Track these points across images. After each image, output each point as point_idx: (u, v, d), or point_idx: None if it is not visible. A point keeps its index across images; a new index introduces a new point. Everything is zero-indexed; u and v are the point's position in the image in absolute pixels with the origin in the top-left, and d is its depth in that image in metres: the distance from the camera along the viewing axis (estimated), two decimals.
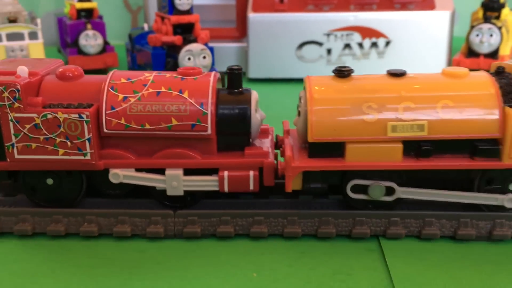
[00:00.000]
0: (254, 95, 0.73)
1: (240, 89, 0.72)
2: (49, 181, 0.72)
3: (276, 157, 0.73)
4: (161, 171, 0.71)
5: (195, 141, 0.70)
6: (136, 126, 0.69)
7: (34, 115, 0.67)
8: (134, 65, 1.53)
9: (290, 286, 0.60)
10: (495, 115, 0.65)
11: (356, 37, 1.53)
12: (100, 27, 1.63)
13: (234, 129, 0.71)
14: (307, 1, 1.56)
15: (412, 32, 1.50)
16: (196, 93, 0.69)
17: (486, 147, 0.66)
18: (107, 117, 0.68)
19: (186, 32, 1.24)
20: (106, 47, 1.64)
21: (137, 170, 0.71)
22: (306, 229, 0.70)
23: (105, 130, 0.69)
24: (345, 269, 0.63)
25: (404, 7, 1.54)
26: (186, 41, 1.20)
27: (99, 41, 1.61)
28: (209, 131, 0.69)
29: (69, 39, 1.65)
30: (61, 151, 0.68)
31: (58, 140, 0.68)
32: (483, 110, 0.65)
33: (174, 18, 1.22)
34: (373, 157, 0.67)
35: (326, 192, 0.71)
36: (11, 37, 1.50)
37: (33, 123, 0.67)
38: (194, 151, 0.71)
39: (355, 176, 0.68)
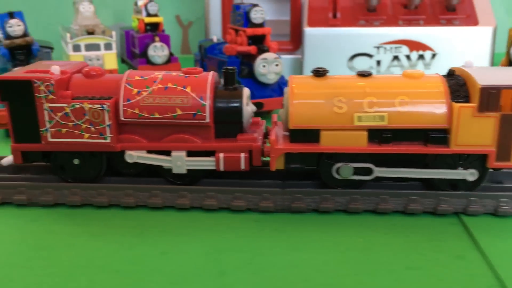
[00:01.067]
0: (246, 91, 0.87)
1: (234, 86, 0.87)
2: (76, 161, 0.87)
3: (263, 143, 0.87)
4: (168, 153, 0.85)
5: (196, 128, 0.85)
6: (147, 115, 0.83)
7: (65, 105, 0.82)
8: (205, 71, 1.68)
9: (393, 246, 0.72)
10: (444, 109, 0.78)
11: (404, 50, 1.63)
12: (165, 40, 1.79)
13: (228, 119, 0.85)
14: (359, 17, 1.69)
15: (456, 46, 1.60)
16: (197, 88, 0.83)
17: (437, 135, 0.79)
18: (124, 108, 0.83)
19: (258, 43, 1.37)
20: (171, 58, 1.79)
21: (148, 152, 0.86)
22: (397, 207, 0.81)
23: (122, 118, 0.83)
24: (437, 236, 0.74)
25: (449, 22, 1.64)
26: (260, 51, 1.33)
27: (166, 52, 1.76)
28: (207, 120, 0.83)
29: (137, 50, 1.80)
30: (86, 135, 0.83)
31: (83, 126, 0.83)
32: (434, 105, 0.78)
33: (250, 30, 1.35)
34: (343, 142, 0.80)
35: (303, 172, 0.84)
36: (89, 47, 1.65)
37: (64, 111, 0.82)
38: (195, 136, 0.85)
39: (332, 159, 0.82)
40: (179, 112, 0.83)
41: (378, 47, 1.65)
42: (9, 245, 0.74)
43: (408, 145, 0.80)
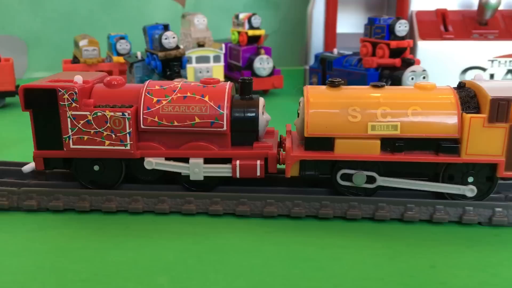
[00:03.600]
0: (262, 100, 0.90)
1: (250, 95, 0.89)
2: (96, 168, 0.89)
3: (278, 151, 0.90)
4: (186, 160, 0.87)
5: (213, 136, 0.87)
6: (166, 123, 0.86)
7: (87, 113, 0.85)
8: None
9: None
10: (455, 119, 0.81)
11: None
12: (269, 52, 1.83)
13: (244, 127, 0.87)
14: (471, 30, 1.72)
15: None
16: (215, 97, 0.86)
17: (448, 145, 0.81)
18: (144, 116, 0.86)
19: (396, 55, 1.39)
20: (274, 70, 1.83)
21: (167, 159, 0.88)
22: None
23: (142, 126, 0.86)
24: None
25: None
26: (406, 63, 1.36)
27: (270, 64, 1.80)
28: (225, 128, 0.86)
29: (240, 63, 1.84)
30: (107, 142, 0.86)
31: (105, 133, 0.85)
32: (445, 115, 0.81)
33: (394, 43, 1.38)
34: (356, 150, 0.83)
35: (319, 180, 0.87)
36: (199, 59, 1.69)
37: (86, 119, 0.85)
38: (213, 144, 0.87)
39: (343, 166, 0.84)
40: (197, 120, 0.85)
41: (492, 61, 1.65)
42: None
43: (420, 154, 0.83)
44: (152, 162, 0.88)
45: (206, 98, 0.86)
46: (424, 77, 1.34)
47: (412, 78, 1.33)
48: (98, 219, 0.85)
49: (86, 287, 0.65)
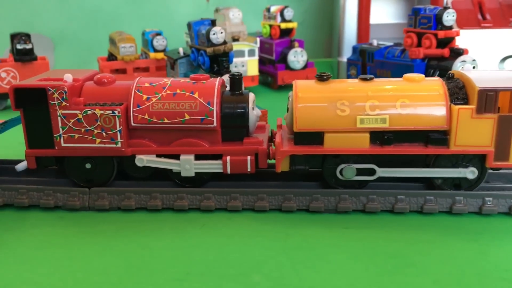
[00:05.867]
0: (252, 96, 0.90)
1: (240, 91, 0.90)
2: (88, 165, 0.90)
3: (269, 146, 0.90)
4: (177, 157, 0.88)
5: (203, 133, 0.88)
6: (157, 120, 0.86)
7: (77, 111, 0.85)
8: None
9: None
10: (443, 111, 0.81)
11: None
12: (302, 45, 1.82)
13: (234, 123, 0.87)
14: (510, 19, 1.70)
15: None
16: (204, 94, 0.86)
17: (437, 136, 0.82)
18: (134, 113, 0.86)
19: (443, 45, 1.38)
20: (307, 63, 1.83)
21: (158, 156, 0.89)
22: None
23: (132, 124, 0.86)
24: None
25: None
26: (455, 53, 1.35)
27: (305, 57, 1.80)
28: (215, 124, 0.86)
29: (273, 56, 1.83)
30: (98, 140, 0.86)
31: (95, 131, 0.86)
32: (433, 107, 0.81)
33: (442, 33, 1.36)
34: (346, 144, 0.83)
35: (309, 174, 0.87)
36: (234, 54, 1.66)
37: (76, 118, 0.85)
38: (203, 140, 0.88)
39: (336, 161, 0.84)
40: (187, 117, 0.86)
41: None
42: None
43: (409, 146, 0.83)
44: (143, 159, 0.88)
45: (196, 95, 0.86)
46: (474, 67, 1.31)
47: (462, 68, 1.30)
48: (170, 217, 0.85)
49: (182, 286, 0.65)
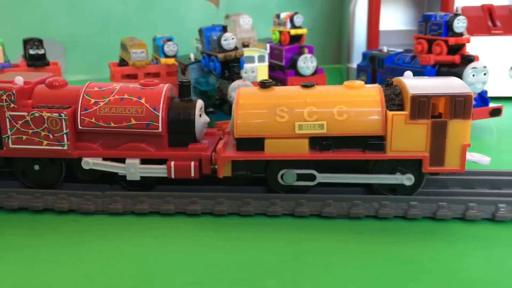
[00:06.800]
0: (199, 103, 0.92)
1: (189, 97, 0.92)
2: (36, 167, 0.91)
3: (212, 152, 0.91)
4: (123, 161, 0.89)
5: (150, 137, 0.89)
6: (103, 124, 0.88)
7: (25, 113, 0.87)
8: (377, 82, 1.63)
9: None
10: (379, 116, 0.82)
11: None
12: (312, 51, 1.85)
13: (181, 129, 0.89)
14: None
15: None
16: (151, 99, 0.88)
17: (373, 142, 0.83)
18: (81, 117, 0.88)
19: (453, 52, 1.38)
20: (317, 69, 1.85)
21: (104, 159, 0.90)
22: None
23: (79, 127, 0.88)
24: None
25: None
26: (466, 60, 1.35)
27: (314, 63, 1.81)
28: (160, 129, 0.88)
29: (282, 62, 1.85)
30: (45, 142, 0.88)
31: (42, 133, 0.88)
32: (369, 113, 0.83)
33: (453, 40, 1.36)
34: (286, 149, 0.84)
35: (250, 179, 0.88)
36: (245, 59, 1.64)
37: (24, 119, 0.88)
38: (149, 145, 0.89)
39: (278, 166, 0.85)
40: (133, 121, 0.88)
41: None
42: None
43: (347, 151, 0.84)
44: (90, 162, 0.90)
45: (143, 100, 0.88)
46: (485, 74, 1.32)
47: (473, 75, 1.30)
48: (181, 221, 0.85)
49: None
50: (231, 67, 1.35)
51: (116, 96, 0.89)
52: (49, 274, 0.69)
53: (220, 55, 1.35)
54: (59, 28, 2.42)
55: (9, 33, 2.13)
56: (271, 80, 0.89)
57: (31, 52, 1.67)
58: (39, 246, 0.77)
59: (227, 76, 1.36)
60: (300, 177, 0.86)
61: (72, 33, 2.43)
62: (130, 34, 2.19)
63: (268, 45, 1.79)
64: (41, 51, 1.68)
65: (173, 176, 0.89)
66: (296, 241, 0.77)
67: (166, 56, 1.79)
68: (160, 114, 0.88)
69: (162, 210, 0.87)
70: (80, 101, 0.89)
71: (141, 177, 0.90)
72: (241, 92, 0.88)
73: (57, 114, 0.87)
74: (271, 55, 1.94)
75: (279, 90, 0.88)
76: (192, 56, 1.61)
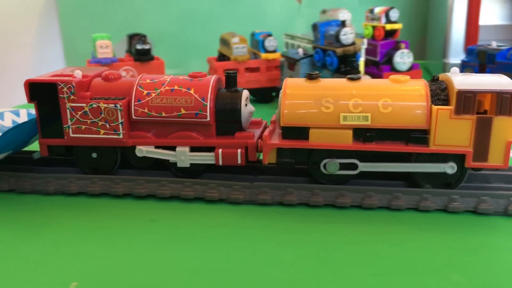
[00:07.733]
0: (245, 93, 0.95)
1: (235, 88, 0.95)
2: (94, 155, 0.98)
3: (258, 140, 0.95)
4: (173, 148, 0.94)
5: (199, 126, 0.94)
6: (155, 114, 0.93)
7: (84, 104, 0.93)
8: None
9: None
10: (423, 111, 0.83)
11: None
12: (408, 46, 1.84)
13: (227, 118, 0.93)
14: None
15: None
16: (200, 90, 0.92)
17: (417, 135, 0.84)
18: (135, 107, 0.93)
19: None
20: (413, 65, 1.84)
21: (156, 147, 0.95)
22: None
23: (133, 117, 0.93)
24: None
25: None
26: None
27: (411, 58, 1.81)
28: (208, 118, 0.92)
29: (378, 57, 1.86)
30: (102, 131, 0.94)
31: (100, 123, 0.94)
32: (414, 107, 0.84)
33: None
34: (329, 139, 0.87)
35: (295, 167, 0.92)
36: None
37: (83, 110, 0.93)
38: (198, 134, 0.94)
39: (321, 156, 0.88)
40: (183, 111, 0.92)
41: None
42: None
43: (390, 144, 0.86)
44: (143, 150, 0.95)
45: (192, 91, 0.93)
46: None
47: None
48: (304, 212, 0.87)
49: (379, 281, 0.67)
50: (349, 62, 1.34)
51: (167, 88, 0.93)
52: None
53: (339, 50, 1.33)
54: (148, 24, 2.47)
55: (100, 29, 2.21)
56: (318, 72, 0.91)
57: (138, 47, 1.71)
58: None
59: (343, 70, 1.35)
60: (342, 166, 0.89)
61: (161, 28, 2.48)
62: (214, 30, 2.20)
63: (365, 40, 1.75)
64: (147, 46, 1.72)
65: (220, 163, 0.93)
66: (407, 238, 0.78)
67: (267, 51, 1.79)
68: (208, 104, 0.92)
69: (286, 202, 0.89)
70: (133, 93, 0.94)
71: (191, 164, 0.95)
72: (288, 83, 0.90)
73: (113, 105, 0.92)
74: (369, 51, 1.90)
75: (325, 82, 0.90)
76: (300, 51, 1.61)
